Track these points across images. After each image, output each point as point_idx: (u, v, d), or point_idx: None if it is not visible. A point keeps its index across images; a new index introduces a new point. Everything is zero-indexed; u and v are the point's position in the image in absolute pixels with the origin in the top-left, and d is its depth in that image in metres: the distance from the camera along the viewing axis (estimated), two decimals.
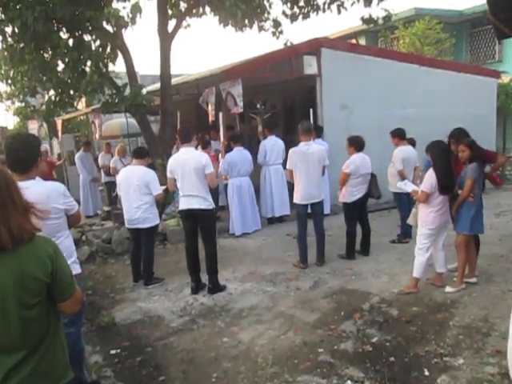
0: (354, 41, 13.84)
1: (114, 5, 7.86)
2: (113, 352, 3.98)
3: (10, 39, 7.96)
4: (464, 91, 9.99)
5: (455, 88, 9.85)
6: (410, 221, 5.15)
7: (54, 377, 1.89)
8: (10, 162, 2.82)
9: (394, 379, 3.26)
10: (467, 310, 4.26)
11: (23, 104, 11.59)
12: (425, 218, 4.65)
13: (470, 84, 10.17)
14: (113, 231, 7.40)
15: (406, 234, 6.49)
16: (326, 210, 7.44)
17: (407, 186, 5.04)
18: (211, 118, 8.23)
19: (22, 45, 7.98)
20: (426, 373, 3.30)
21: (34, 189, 2.74)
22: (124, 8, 6.86)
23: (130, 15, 6.65)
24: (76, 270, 3.01)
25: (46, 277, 1.77)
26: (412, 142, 6.70)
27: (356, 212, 5.96)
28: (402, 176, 6.12)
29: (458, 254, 4.77)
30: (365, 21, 9.62)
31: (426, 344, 3.69)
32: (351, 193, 5.84)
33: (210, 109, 8.13)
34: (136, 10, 6.59)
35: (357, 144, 5.87)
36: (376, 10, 29.73)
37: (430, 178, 4.52)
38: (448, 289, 4.68)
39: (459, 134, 4.86)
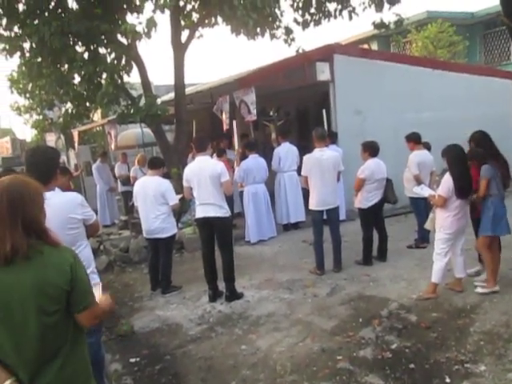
0: (366, 46, 13.84)
1: (128, 18, 8.03)
2: (132, 360, 4.01)
3: (27, 54, 8.17)
4: (479, 94, 9.87)
5: (470, 91, 9.74)
6: (427, 226, 5.10)
7: None
8: (30, 174, 2.87)
9: None
10: (488, 315, 4.19)
11: (41, 117, 11.86)
12: (442, 222, 4.61)
13: (484, 86, 10.04)
14: (130, 240, 7.48)
15: (424, 238, 6.42)
16: (342, 216, 7.41)
17: (424, 191, 5.00)
18: (225, 127, 8.29)
19: (39, 59, 8.19)
20: (448, 380, 3.25)
21: (52, 200, 2.79)
22: (140, 23, 6.98)
23: (146, 29, 6.76)
24: (94, 279, 3.05)
25: (65, 284, 1.82)
26: (427, 146, 6.64)
27: (372, 217, 5.93)
28: (418, 181, 6.06)
29: (482, 257, 4.71)
30: (376, 26, 9.62)
31: (447, 350, 3.64)
32: (367, 198, 5.81)
33: (224, 117, 8.19)
34: (151, 24, 6.70)
35: (371, 149, 5.85)
36: (388, 14, 29.69)
37: (447, 182, 4.49)
38: (480, 290, 4.64)
39: (479, 138, 4.81)
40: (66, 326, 1.87)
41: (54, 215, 2.75)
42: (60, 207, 2.86)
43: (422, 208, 6.29)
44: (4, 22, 7.74)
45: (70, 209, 2.93)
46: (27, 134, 30.69)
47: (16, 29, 7.80)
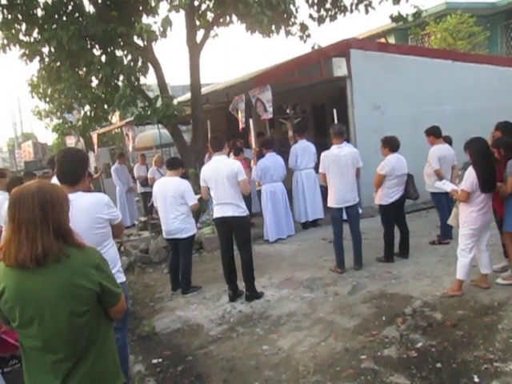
0: (383, 40, 13.64)
1: (144, 19, 8.07)
2: (155, 361, 4.02)
3: (46, 59, 8.29)
4: (501, 85, 9.61)
5: (492, 82, 9.50)
6: (451, 221, 4.98)
7: (106, 382, 1.97)
8: (60, 174, 2.97)
9: None
10: None
11: (61, 120, 12.02)
12: (466, 217, 4.49)
13: (507, 77, 9.78)
14: (150, 241, 7.53)
15: (447, 234, 6.28)
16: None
17: (446, 186, 4.89)
18: (241, 125, 8.27)
19: (58, 64, 8.30)
20: (476, 379, 3.16)
21: (80, 200, 2.85)
22: (155, 23, 7.02)
23: (161, 29, 6.79)
24: (120, 278, 3.07)
25: (93, 285, 1.85)
26: (448, 140, 6.49)
27: (393, 214, 5.82)
28: (439, 175, 5.94)
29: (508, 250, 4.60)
30: (394, 19, 9.46)
31: (474, 349, 3.54)
32: (388, 194, 5.71)
33: (241, 116, 8.16)
34: (167, 23, 6.72)
35: (391, 145, 5.74)
36: (405, 7, 29.20)
37: (471, 175, 4.36)
38: (500, 280, 4.54)
39: (505, 128, 4.68)
40: (96, 323, 1.92)
41: (82, 215, 2.80)
42: (87, 208, 2.91)
43: (443, 203, 6.16)
44: (23, 27, 7.88)
45: (97, 209, 2.97)
46: (48, 137, 31.31)
47: (35, 34, 7.93)
